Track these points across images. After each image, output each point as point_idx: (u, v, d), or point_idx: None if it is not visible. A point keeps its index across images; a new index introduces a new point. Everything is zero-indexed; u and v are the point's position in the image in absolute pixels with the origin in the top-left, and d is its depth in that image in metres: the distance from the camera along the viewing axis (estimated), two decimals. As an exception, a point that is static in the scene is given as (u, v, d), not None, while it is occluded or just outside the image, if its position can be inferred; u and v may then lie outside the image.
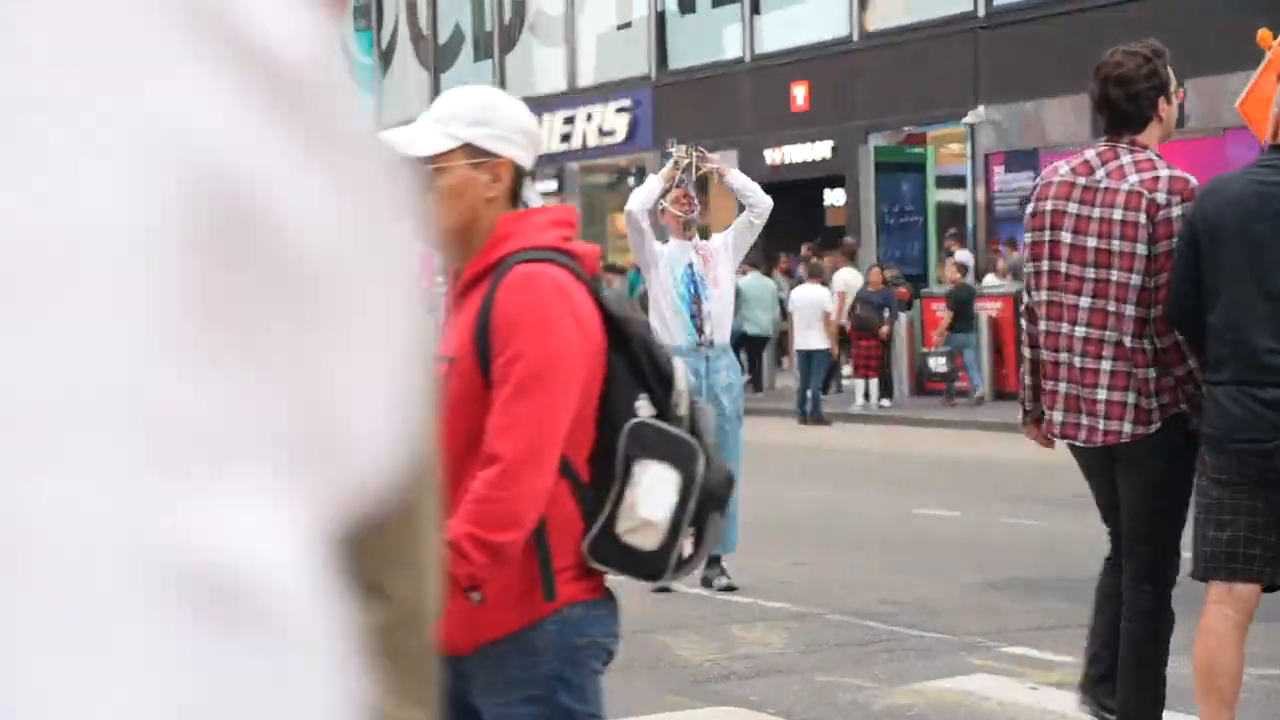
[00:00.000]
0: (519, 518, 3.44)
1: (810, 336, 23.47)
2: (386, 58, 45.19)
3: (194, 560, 0.48)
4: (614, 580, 3.63)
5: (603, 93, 37.61)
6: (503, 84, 40.64)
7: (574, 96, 38.55)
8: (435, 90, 43.14)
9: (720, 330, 10.48)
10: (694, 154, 10.98)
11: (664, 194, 10.61)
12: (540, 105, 39.11)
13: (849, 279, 25.69)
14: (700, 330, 10.36)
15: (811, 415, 23.42)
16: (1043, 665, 8.22)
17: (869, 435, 21.29)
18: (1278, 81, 6.48)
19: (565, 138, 38.73)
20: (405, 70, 44.73)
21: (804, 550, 11.82)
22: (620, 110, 37.19)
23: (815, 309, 23.49)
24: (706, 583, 10.31)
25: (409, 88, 44.34)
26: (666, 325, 10.26)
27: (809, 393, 23.55)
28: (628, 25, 37.29)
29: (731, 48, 34.47)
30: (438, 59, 43.34)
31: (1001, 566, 11.01)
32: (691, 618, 9.54)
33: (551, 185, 40.05)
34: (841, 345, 25.12)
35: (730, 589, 10.29)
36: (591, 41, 38.41)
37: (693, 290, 10.39)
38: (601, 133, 37.70)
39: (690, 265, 10.44)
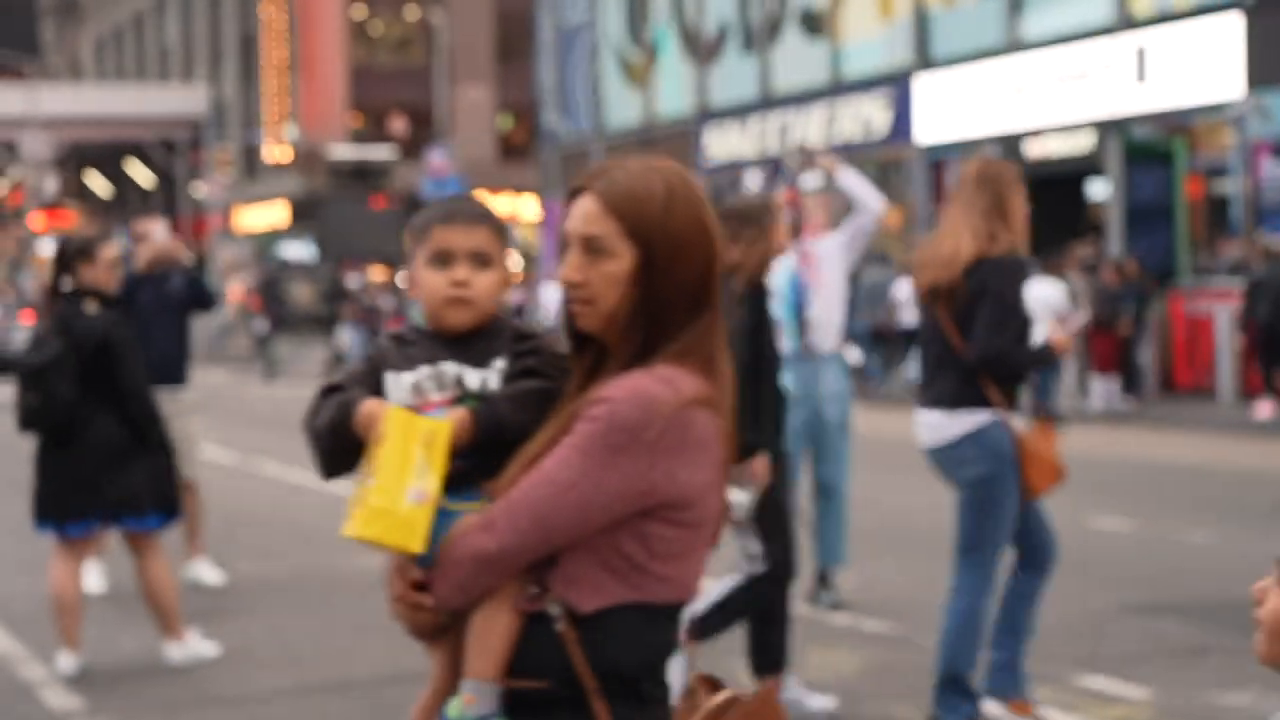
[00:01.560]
0: None
1: (1041, 331, 22.60)
2: (654, 53, 45.10)
3: None
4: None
5: (865, 86, 37.02)
6: (766, 78, 40.28)
7: (836, 90, 38.01)
8: (701, 85, 42.97)
9: (826, 337, 9.86)
10: (803, 156, 10.51)
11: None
12: (803, 99, 38.69)
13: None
14: (805, 339, 9.81)
15: (1040, 415, 22.49)
16: (1105, 700, 7.51)
17: (1087, 437, 20.39)
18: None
19: (828, 132, 38.20)
20: (672, 65, 44.58)
21: (940, 566, 11.11)
22: (882, 103, 36.56)
23: (1046, 307, 22.58)
24: (813, 598, 9.77)
25: (676, 82, 44.24)
26: None
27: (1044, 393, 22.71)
28: (890, 16, 36.69)
29: (994, 38, 33.61)
30: (704, 53, 43.11)
31: (1145, 586, 10.22)
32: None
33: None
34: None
35: (837, 606, 9.70)
36: (855, 34, 37.84)
37: (797, 295, 9.82)
38: (863, 126, 37.11)
39: (794, 272, 9.87)
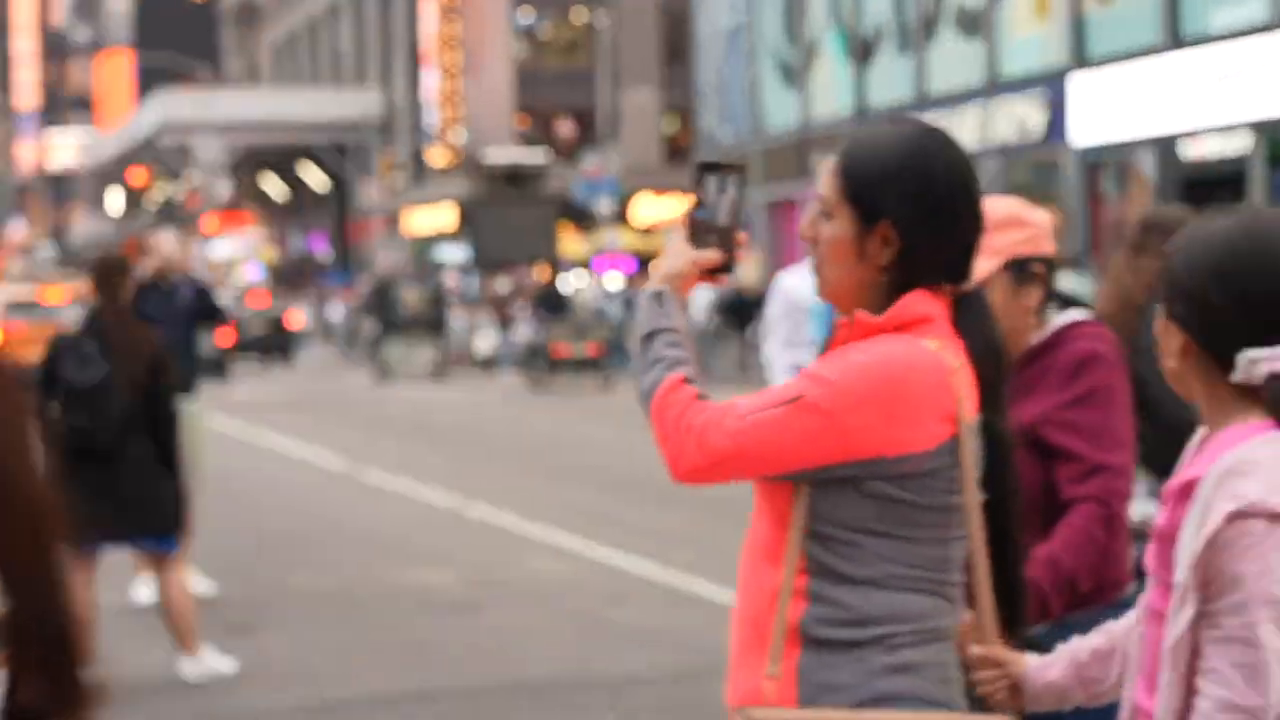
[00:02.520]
0: None
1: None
2: (811, 54, 44.82)
3: None
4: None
5: (1020, 85, 36.45)
6: (922, 79, 39.82)
7: (992, 90, 37.47)
8: (858, 85, 42.58)
9: None
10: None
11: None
12: (959, 99, 38.17)
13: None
14: None
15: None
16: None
17: None
18: None
19: (983, 133, 37.68)
20: (828, 66, 44.27)
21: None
22: (1037, 103, 35.97)
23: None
24: None
25: (832, 84, 43.95)
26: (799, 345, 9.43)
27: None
28: (1046, 15, 36.10)
29: (1151, 37, 32.91)
30: (860, 54, 42.76)
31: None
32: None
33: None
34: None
35: None
36: (1011, 33, 37.28)
37: (831, 313, 9.44)
38: (1018, 127, 36.54)
39: None
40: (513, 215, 41.24)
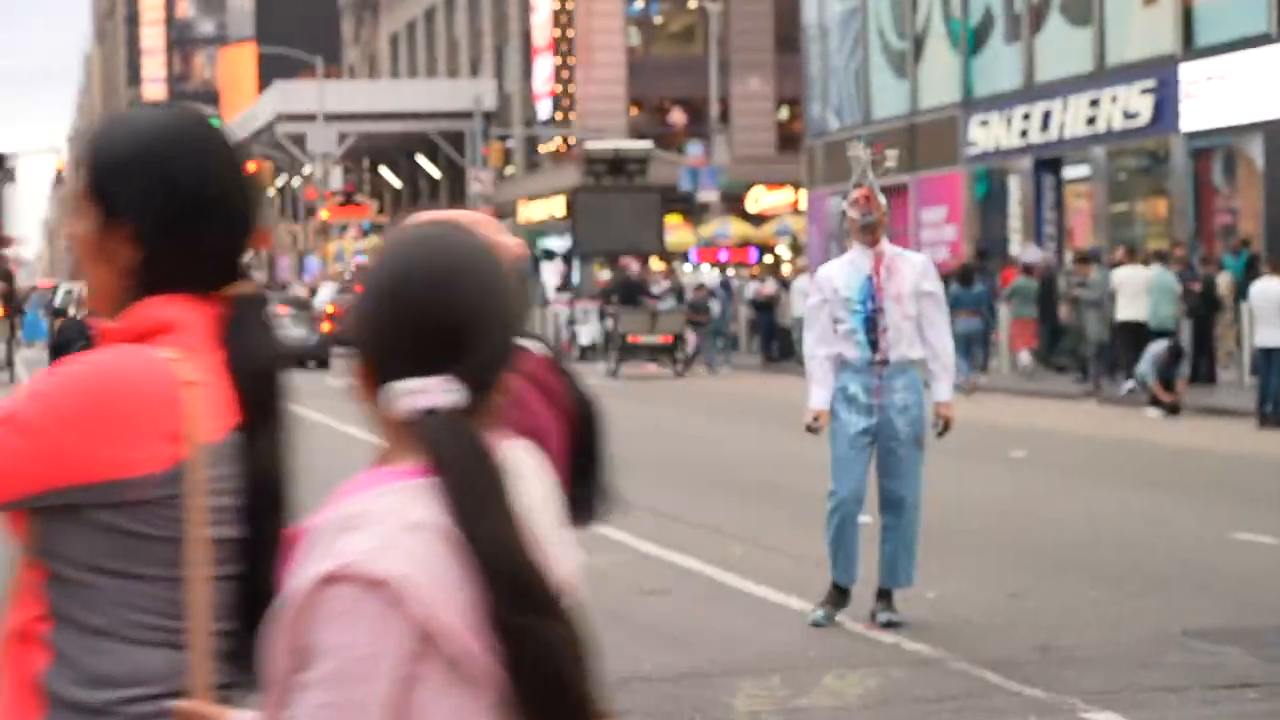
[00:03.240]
0: None
1: (1271, 333, 21.60)
2: (920, 43, 44.47)
3: None
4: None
5: (1127, 73, 35.94)
6: (1031, 67, 39.39)
7: (1100, 78, 36.98)
8: (965, 75, 42.19)
9: (901, 347, 9.28)
10: (869, 152, 9.57)
11: (844, 194, 9.60)
12: (1067, 87, 37.70)
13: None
14: (875, 347, 9.25)
15: (1273, 415, 21.48)
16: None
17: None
18: None
19: (1091, 121, 37.21)
20: (937, 55, 43.92)
21: (1054, 578, 10.56)
22: (1145, 91, 35.43)
23: (1275, 304, 21.57)
24: (872, 617, 9.27)
25: (941, 72, 43.63)
26: (837, 336, 9.35)
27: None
28: (1154, 2, 35.55)
29: (1260, 23, 32.32)
30: (968, 42, 42.38)
31: (1231, 608, 9.53)
32: (802, 656, 8.52)
33: (1083, 170, 38.60)
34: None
35: (892, 624, 9.16)
36: (1118, 20, 36.75)
37: (871, 303, 9.25)
38: (1126, 115, 36.01)
39: (869, 276, 9.29)
40: (614, 205, 41.14)
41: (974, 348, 28.32)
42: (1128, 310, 25.43)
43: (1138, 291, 25.44)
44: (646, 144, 48.24)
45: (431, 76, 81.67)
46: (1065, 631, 9.01)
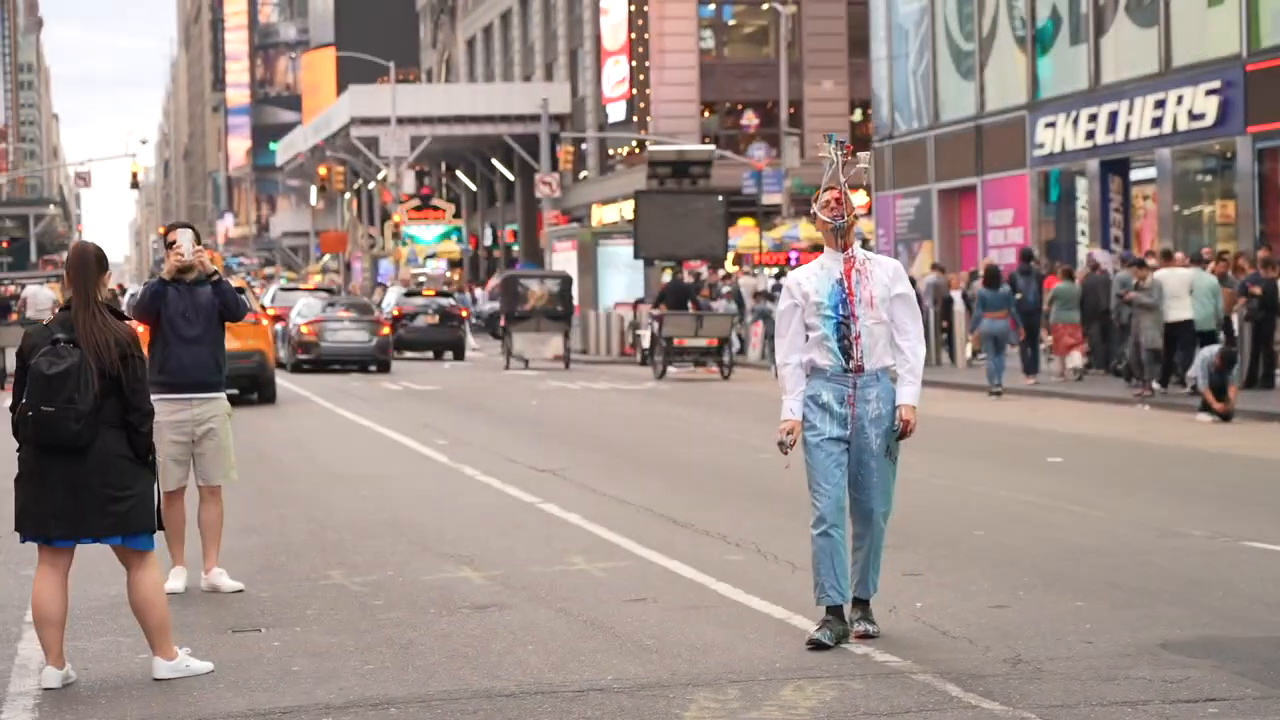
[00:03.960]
0: None
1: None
2: (986, 44, 44.19)
3: None
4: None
5: (1192, 74, 35.57)
6: (1097, 68, 39.05)
7: (1165, 79, 36.63)
8: (1033, 76, 41.87)
9: (875, 355, 9.02)
10: (841, 153, 9.18)
11: (813, 197, 9.39)
12: (1133, 89, 37.34)
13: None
14: (848, 354, 8.99)
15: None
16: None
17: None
18: None
19: (1156, 122, 36.86)
20: (1003, 56, 43.64)
21: (1046, 588, 10.39)
22: (1210, 92, 35.06)
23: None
24: (850, 625, 9.09)
25: (1009, 73, 43.37)
26: (809, 343, 9.11)
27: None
28: (1219, 3, 35.16)
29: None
30: (1035, 44, 42.09)
31: (1221, 619, 9.34)
32: (768, 668, 8.40)
33: (1149, 173, 38.25)
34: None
35: (868, 636, 9.00)
36: (1184, 20, 36.38)
37: (843, 309, 8.98)
38: (1191, 116, 35.65)
39: (840, 280, 9.03)
40: (677, 208, 41.06)
41: (1002, 348, 28.53)
42: (1174, 312, 25.57)
43: (1178, 292, 25.49)
44: (709, 147, 48.17)
45: (507, 80, 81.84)
46: (1042, 643, 8.85)
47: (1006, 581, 10.72)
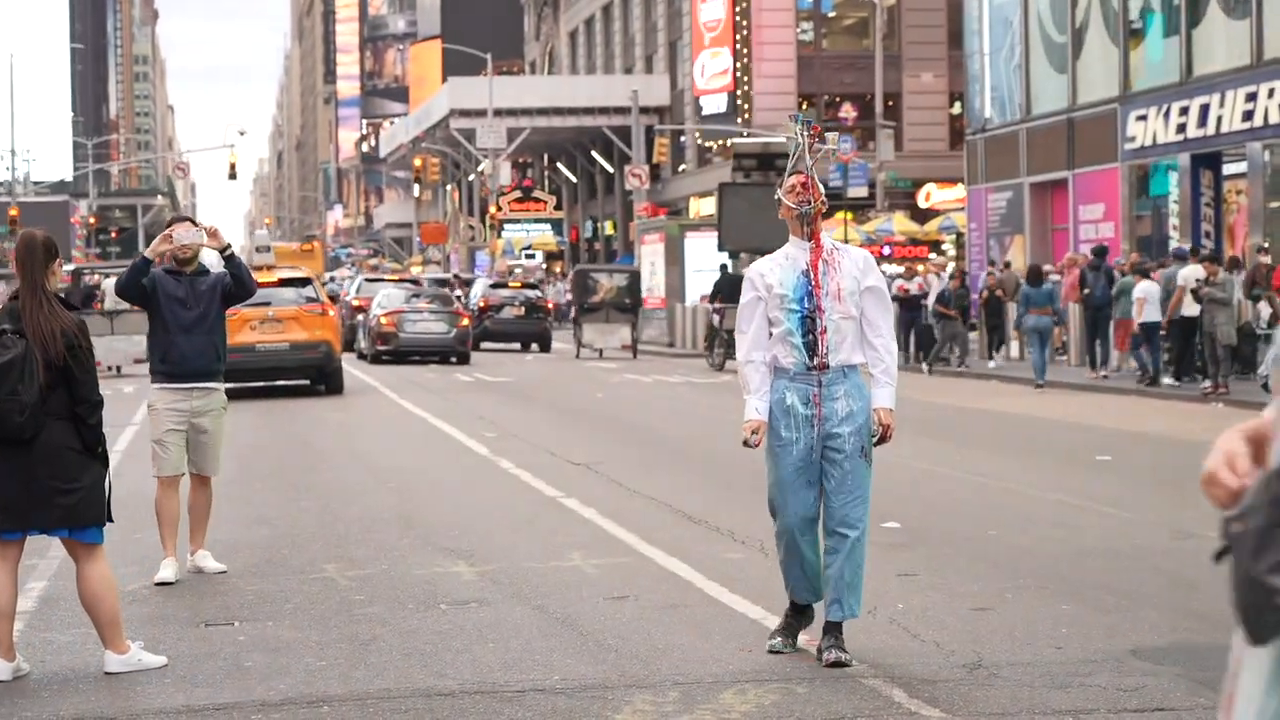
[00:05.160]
0: None
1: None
2: (1079, 36, 43.59)
3: None
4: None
5: (1284, 66, 34.94)
6: (1189, 60, 38.43)
7: (1257, 72, 35.95)
8: (1125, 68, 41.25)
9: (842, 351, 8.41)
10: (808, 133, 8.60)
11: (778, 182, 8.90)
12: (1223, 82, 36.70)
13: None
14: (813, 350, 8.40)
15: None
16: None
17: None
18: None
19: (1247, 115, 36.19)
20: (1095, 48, 43.03)
21: (1037, 590, 10.13)
22: (1305, 85, 34.42)
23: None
24: (819, 654, 8.36)
25: (1099, 66, 42.76)
26: (773, 339, 8.51)
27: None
28: (1313, -9, 34.53)
29: None
30: (1127, 36, 41.47)
31: (1206, 624, 9.05)
32: (719, 669, 8.22)
33: (1241, 166, 37.60)
34: None
35: (839, 664, 8.23)
36: (1277, 11, 35.70)
37: (808, 302, 8.40)
38: (1283, 109, 34.99)
39: (806, 271, 8.45)
40: (760, 201, 40.81)
41: (1046, 343, 28.74)
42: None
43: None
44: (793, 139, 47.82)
45: (608, 72, 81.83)
46: (1010, 648, 8.61)
47: (1000, 583, 10.47)
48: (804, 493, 8.42)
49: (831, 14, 68.48)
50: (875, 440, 8.48)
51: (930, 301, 36.27)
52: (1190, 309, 26.84)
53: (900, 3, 65.07)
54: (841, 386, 8.43)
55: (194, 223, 11.52)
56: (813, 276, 8.44)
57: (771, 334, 8.51)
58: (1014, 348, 36.14)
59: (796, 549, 8.47)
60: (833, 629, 8.37)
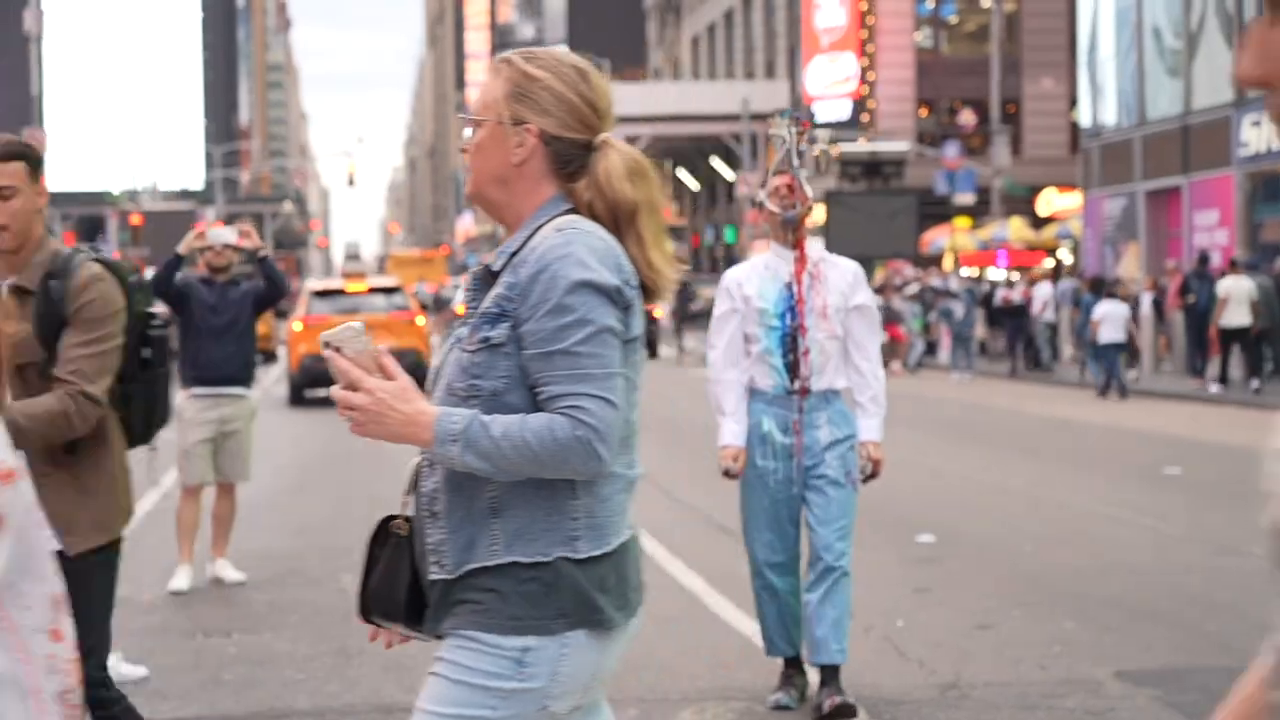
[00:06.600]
0: None
1: None
2: (1194, 40, 42.97)
3: None
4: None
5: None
6: (1303, 64, 37.77)
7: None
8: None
9: (825, 375, 7.58)
10: (795, 130, 7.77)
11: (761, 183, 8.45)
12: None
13: None
14: (794, 373, 7.57)
15: None
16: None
17: None
18: None
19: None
20: (1213, 51, 42.38)
21: (1046, 608, 9.94)
22: None
23: None
24: (818, 710, 7.53)
25: (1217, 69, 42.11)
26: (750, 358, 7.69)
27: None
28: None
29: None
30: (1243, 40, 40.78)
31: (1202, 645, 8.82)
32: (687, 687, 8.11)
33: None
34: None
35: (845, 710, 7.45)
36: (1393, 13, 34.99)
37: (790, 318, 7.58)
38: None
39: (789, 284, 7.62)
40: (868, 208, 40.58)
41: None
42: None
43: (1242, 300, 25.92)
44: (903, 145, 47.57)
45: (730, 78, 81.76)
46: (994, 667, 8.44)
47: (1012, 600, 10.27)
48: (782, 527, 7.66)
49: (953, 20, 67.97)
50: (865, 477, 7.73)
51: (1036, 310, 35.87)
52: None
53: (1021, 7, 64.44)
54: (824, 413, 7.58)
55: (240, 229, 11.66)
56: (796, 290, 7.55)
57: (749, 352, 7.67)
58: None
59: (773, 592, 7.71)
60: (829, 672, 7.57)
